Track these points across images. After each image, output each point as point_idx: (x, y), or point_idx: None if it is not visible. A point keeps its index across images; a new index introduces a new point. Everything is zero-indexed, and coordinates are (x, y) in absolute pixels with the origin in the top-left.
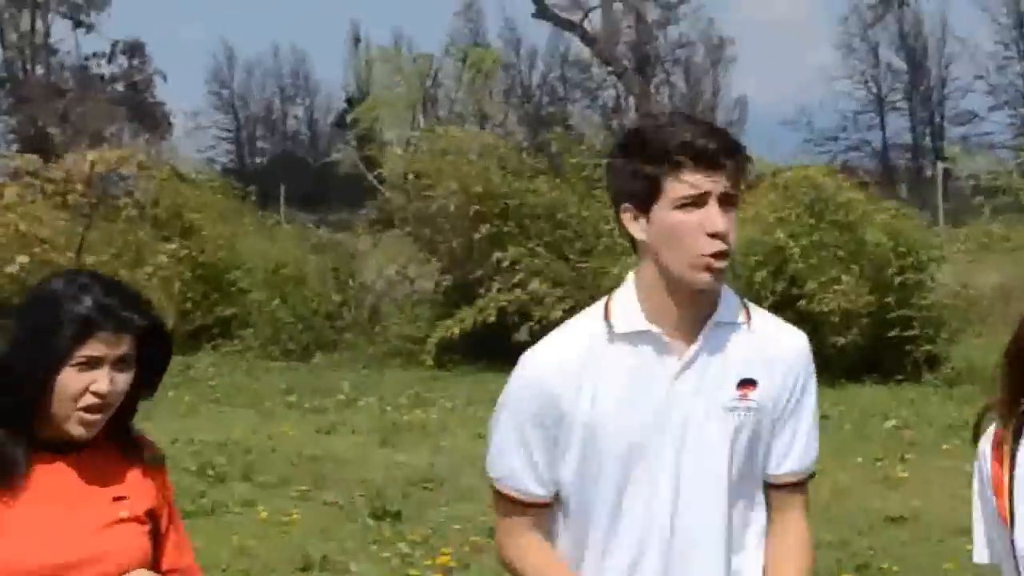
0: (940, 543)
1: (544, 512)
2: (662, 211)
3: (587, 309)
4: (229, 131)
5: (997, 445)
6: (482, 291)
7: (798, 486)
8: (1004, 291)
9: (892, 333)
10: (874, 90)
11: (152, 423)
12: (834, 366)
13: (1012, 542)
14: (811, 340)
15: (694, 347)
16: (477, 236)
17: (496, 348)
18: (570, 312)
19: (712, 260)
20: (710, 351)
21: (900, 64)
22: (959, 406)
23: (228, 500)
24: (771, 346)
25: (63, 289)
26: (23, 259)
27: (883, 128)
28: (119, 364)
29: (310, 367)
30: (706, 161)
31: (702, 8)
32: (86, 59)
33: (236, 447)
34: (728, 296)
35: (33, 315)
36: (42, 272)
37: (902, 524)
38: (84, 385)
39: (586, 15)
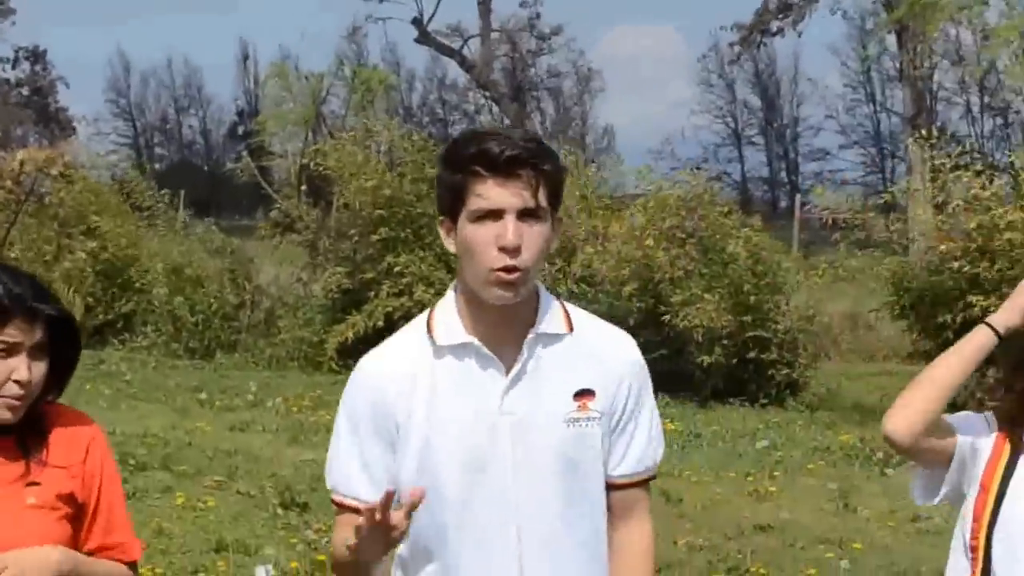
0: (803, 550)
1: None
2: (462, 224)
3: (412, 321)
4: (128, 137)
5: (1003, 430)
6: (371, 296)
7: (638, 486)
8: (851, 318)
9: (751, 355)
10: (731, 125)
11: None
12: (702, 386)
13: (994, 512)
14: (678, 359)
15: (520, 360)
16: (374, 238)
17: None
18: None
19: (501, 274)
20: (537, 363)
21: (755, 101)
22: (821, 431)
23: (148, 487)
24: (601, 354)
25: None
26: None
27: (741, 162)
28: (36, 352)
29: (214, 366)
30: (501, 172)
31: (573, 40)
32: None
33: (155, 439)
34: (548, 305)
35: None
36: None
37: (770, 532)
38: (6, 374)
39: (465, 42)
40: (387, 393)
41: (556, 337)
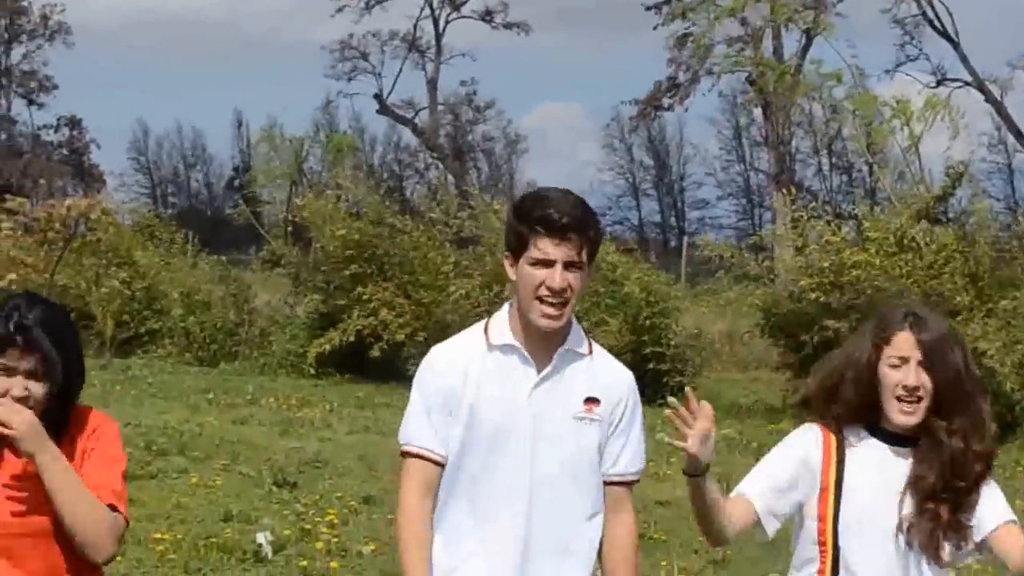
0: (694, 521)
1: (437, 470)
2: (523, 264)
3: (474, 325)
4: (146, 188)
5: (826, 435)
6: (344, 317)
7: (626, 485)
8: (730, 336)
9: (650, 366)
10: (630, 180)
11: (110, 409)
12: None
13: (835, 508)
14: None
15: (550, 365)
16: (347, 273)
17: (357, 362)
18: (411, 336)
19: (547, 308)
20: (562, 370)
21: (649, 161)
22: None
23: (168, 469)
24: (608, 375)
25: None
26: (12, 276)
27: (639, 210)
28: (32, 375)
29: (219, 372)
30: (556, 233)
31: (503, 112)
32: (38, 129)
33: (173, 431)
34: (578, 331)
35: None
36: (26, 287)
37: (668, 506)
38: (5, 389)
39: (416, 113)
40: (447, 375)
41: (579, 355)
